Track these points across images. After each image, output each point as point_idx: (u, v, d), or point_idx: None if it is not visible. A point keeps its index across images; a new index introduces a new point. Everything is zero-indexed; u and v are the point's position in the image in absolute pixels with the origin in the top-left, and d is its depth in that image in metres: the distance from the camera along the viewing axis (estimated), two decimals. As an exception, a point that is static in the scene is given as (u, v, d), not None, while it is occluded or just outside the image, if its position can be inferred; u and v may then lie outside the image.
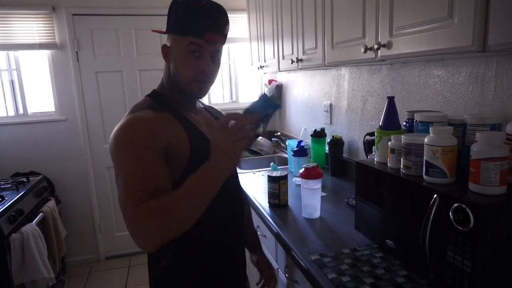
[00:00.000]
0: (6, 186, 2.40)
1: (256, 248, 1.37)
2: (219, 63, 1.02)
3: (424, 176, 0.95)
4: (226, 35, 1.00)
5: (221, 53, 1.01)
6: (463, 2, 0.83)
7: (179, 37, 0.95)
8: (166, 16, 0.99)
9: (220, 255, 1.08)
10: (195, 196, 0.79)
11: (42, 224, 2.34)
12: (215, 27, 0.94)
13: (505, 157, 0.81)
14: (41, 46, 2.77)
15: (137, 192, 0.82)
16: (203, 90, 1.00)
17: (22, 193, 2.28)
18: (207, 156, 0.82)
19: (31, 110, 2.92)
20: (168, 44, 0.99)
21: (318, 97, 2.43)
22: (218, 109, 1.29)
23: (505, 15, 0.74)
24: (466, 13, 0.82)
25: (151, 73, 3.00)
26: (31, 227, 2.14)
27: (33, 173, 2.84)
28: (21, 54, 2.82)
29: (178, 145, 0.94)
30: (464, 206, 0.80)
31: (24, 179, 2.55)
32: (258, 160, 2.73)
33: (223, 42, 1.00)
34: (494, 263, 0.81)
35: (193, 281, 1.04)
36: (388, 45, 1.12)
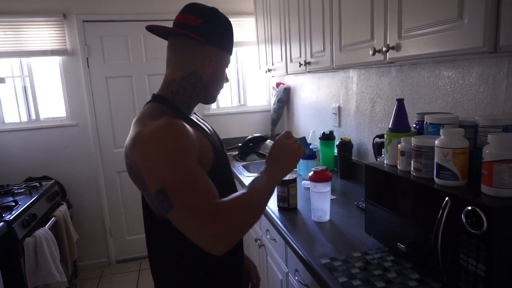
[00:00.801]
0: (19, 191, 2.44)
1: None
2: None
3: (435, 179, 0.94)
4: None
5: None
6: (473, 3, 0.82)
7: (226, 53, 1.03)
8: (172, 21, 0.99)
9: (223, 276, 1.05)
10: (269, 194, 0.91)
11: (54, 228, 2.37)
12: None
13: (518, 159, 0.80)
14: (52, 52, 2.82)
15: (206, 194, 0.81)
16: None
17: (35, 198, 2.32)
18: (225, 163, 1.03)
19: (43, 115, 2.97)
20: (210, 55, 0.98)
21: (326, 99, 2.42)
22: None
23: (516, 16, 0.73)
24: (477, 13, 0.81)
25: (160, 77, 2.96)
26: (44, 231, 2.17)
27: (46, 178, 2.89)
28: (33, 60, 2.88)
29: (205, 152, 0.94)
30: (477, 209, 0.79)
31: (37, 184, 2.59)
32: (267, 163, 2.73)
33: None
34: (509, 266, 0.79)
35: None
36: (397, 47, 1.11)
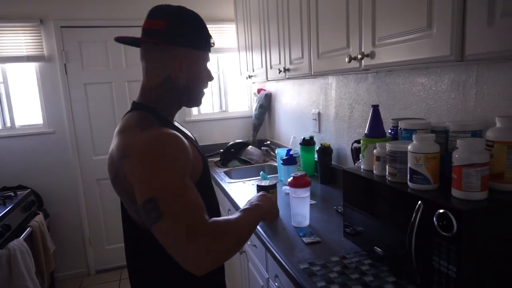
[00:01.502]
0: (-8, 201, 2.36)
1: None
2: None
3: (409, 183, 0.96)
4: None
5: None
6: (441, 14, 0.86)
7: (199, 52, 0.98)
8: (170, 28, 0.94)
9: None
10: (252, 228, 0.92)
11: (30, 239, 2.30)
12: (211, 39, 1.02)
13: (485, 163, 0.83)
14: (28, 58, 2.76)
15: (198, 209, 0.79)
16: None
17: (9, 208, 2.24)
18: (208, 173, 1.03)
19: (18, 123, 2.88)
20: (181, 57, 0.94)
21: (307, 105, 2.45)
22: None
23: (480, 26, 0.76)
24: (444, 24, 0.85)
25: (140, 84, 2.99)
26: (18, 242, 2.11)
27: (21, 187, 2.80)
28: (9, 66, 2.80)
29: (196, 163, 0.94)
30: (447, 212, 0.82)
31: (12, 194, 2.51)
32: (248, 169, 2.74)
33: None
34: (478, 267, 0.82)
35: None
36: (371, 55, 1.14)
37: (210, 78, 1.04)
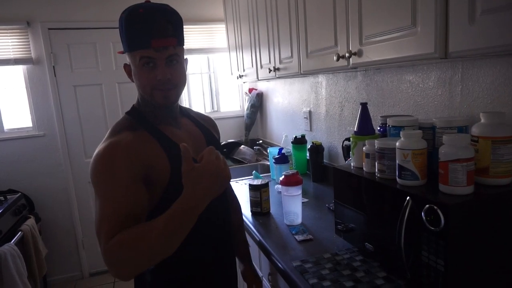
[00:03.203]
0: (-18, 206, 2.33)
1: (243, 258, 1.36)
2: (182, 67, 0.99)
3: (397, 179, 0.98)
4: (178, 34, 0.95)
5: (180, 55, 0.97)
6: (424, 12, 0.87)
7: (130, 53, 0.94)
8: None
9: (205, 268, 1.08)
10: (174, 232, 0.79)
11: (21, 244, 2.28)
12: (160, 32, 0.89)
13: (471, 158, 0.85)
14: (16, 61, 2.73)
15: (110, 222, 0.82)
16: (169, 98, 0.97)
17: (-1, 212, 2.22)
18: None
19: (7, 126, 2.85)
20: (128, 63, 0.99)
21: (298, 104, 2.46)
22: (206, 115, 1.27)
23: (462, 24, 0.78)
24: (428, 22, 0.86)
25: (131, 85, 2.93)
26: (9, 247, 2.08)
27: (11, 191, 2.77)
28: (-4, 70, 2.77)
29: (157, 166, 0.93)
30: (434, 206, 0.83)
31: (2, 198, 2.48)
32: (241, 168, 2.74)
33: (178, 43, 0.95)
34: (466, 261, 0.84)
35: None
36: (359, 53, 1.15)
37: (155, 78, 0.92)
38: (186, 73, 1.03)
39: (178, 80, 0.97)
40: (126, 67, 1.00)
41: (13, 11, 2.69)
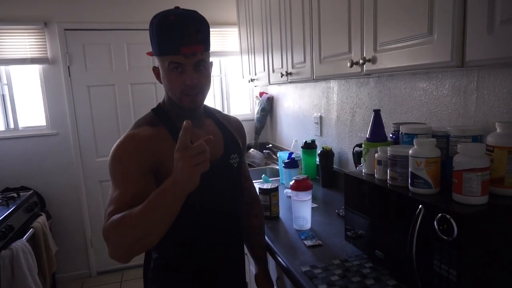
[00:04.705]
0: (-4, 201, 2.38)
1: (259, 262, 1.34)
2: (208, 71, 1.03)
3: (410, 187, 0.97)
4: (205, 41, 1.00)
5: (206, 60, 1.02)
6: (442, 20, 0.87)
7: (160, 58, 0.99)
8: None
9: (209, 260, 1.11)
10: (155, 211, 0.81)
11: (32, 240, 2.31)
12: (189, 39, 0.95)
13: (486, 168, 0.84)
14: (32, 60, 2.78)
15: (114, 205, 0.89)
16: (196, 102, 1.03)
17: (12, 209, 2.26)
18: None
19: (22, 124, 2.91)
20: (157, 65, 1.05)
21: (308, 109, 2.46)
22: (234, 117, 1.30)
23: (480, 33, 0.77)
24: (445, 30, 0.86)
25: (143, 86, 3.03)
26: (21, 243, 2.12)
27: (24, 188, 2.82)
28: (13, 68, 2.83)
29: (168, 162, 0.94)
30: (448, 216, 0.82)
31: (15, 195, 2.52)
32: (250, 172, 2.74)
33: (205, 49, 1.00)
34: (479, 271, 0.83)
35: (178, 284, 1.10)
36: (373, 60, 1.15)
37: (184, 83, 0.98)
38: (211, 75, 1.09)
39: (204, 84, 1.03)
40: (155, 69, 1.06)
41: (31, 12, 2.75)
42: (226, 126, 1.20)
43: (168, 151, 0.96)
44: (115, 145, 0.98)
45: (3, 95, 2.85)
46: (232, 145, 1.17)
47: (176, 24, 0.94)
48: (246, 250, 1.33)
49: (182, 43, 0.94)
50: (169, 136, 1.03)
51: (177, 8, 0.99)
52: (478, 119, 1.17)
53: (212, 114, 1.21)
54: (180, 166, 0.78)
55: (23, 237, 2.19)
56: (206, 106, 1.21)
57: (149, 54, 1.08)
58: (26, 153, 2.89)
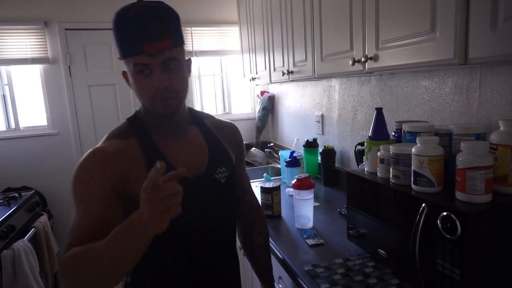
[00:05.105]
0: (-3, 202, 2.38)
1: (264, 280, 1.22)
2: (181, 70, 0.88)
3: (412, 186, 0.97)
4: (175, 35, 0.84)
5: (178, 58, 0.86)
6: (444, 17, 0.86)
7: (125, 61, 0.86)
8: None
9: (193, 285, 0.99)
10: (117, 250, 0.70)
11: (34, 240, 2.32)
12: (152, 35, 0.80)
13: (489, 166, 0.83)
14: (33, 60, 2.78)
15: (74, 234, 0.79)
16: (171, 107, 0.88)
17: (13, 209, 2.26)
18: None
19: (23, 124, 2.91)
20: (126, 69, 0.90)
21: (310, 107, 2.46)
22: (229, 123, 1.15)
23: (483, 30, 0.77)
24: (448, 27, 0.85)
25: None
26: (22, 243, 2.12)
27: (25, 188, 2.82)
28: (13, 68, 2.83)
29: (134, 178, 0.85)
30: (451, 214, 0.82)
31: (16, 194, 2.52)
32: (251, 171, 2.74)
33: (175, 45, 0.84)
34: (482, 270, 0.82)
35: None
36: (375, 58, 1.15)
37: (152, 86, 0.84)
38: (190, 75, 0.94)
39: (178, 87, 0.88)
40: (125, 74, 0.91)
41: (31, 12, 2.75)
42: (215, 135, 1.05)
43: (136, 168, 0.87)
44: (78, 163, 0.86)
45: (4, 95, 2.84)
46: (219, 158, 1.02)
47: (136, 18, 0.80)
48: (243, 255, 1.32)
49: (144, 40, 0.80)
50: (139, 150, 0.90)
51: (140, 0, 0.84)
52: (481, 117, 1.17)
53: (200, 120, 1.05)
54: (147, 210, 0.66)
55: (24, 237, 2.19)
56: (194, 111, 1.07)
57: (120, 59, 0.90)
58: (27, 153, 2.89)
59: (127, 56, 0.84)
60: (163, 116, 0.91)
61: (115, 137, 0.92)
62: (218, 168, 1.00)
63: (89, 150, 0.88)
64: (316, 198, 1.79)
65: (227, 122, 1.15)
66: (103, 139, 0.93)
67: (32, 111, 2.92)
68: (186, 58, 0.93)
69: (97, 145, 0.90)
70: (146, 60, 0.82)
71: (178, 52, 0.87)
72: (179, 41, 0.87)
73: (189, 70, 0.95)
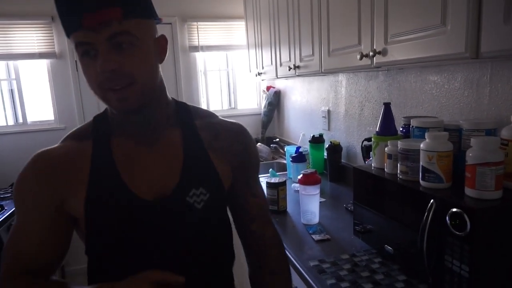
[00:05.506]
0: (5, 196, 2.40)
1: None
2: (139, 49, 0.65)
3: (421, 181, 0.96)
4: (127, 1, 0.63)
5: (133, 31, 0.63)
6: (456, 10, 0.84)
7: (70, 41, 0.64)
8: (164, 24, 0.87)
9: None
10: None
11: (41, 233, 2.34)
12: (93, 1, 0.60)
13: (500, 162, 0.82)
14: (40, 55, 2.79)
15: (11, 255, 0.71)
16: (126, 100, 0.66)
17: (21, 202, 2.28)
18: (109, 217, 0.69)
19: (30, 119, 2.93)
20: None
21: (316, 103, 2.44)
22: (232, 124, 0.87)
23: (496, 23, 0.75)
24: (459, 20, 0.84)
25: None
26: (30, 236, 2.14)
27: (33, 182, 2.85)
28: (21, 63, 2.84)
29: (73, 193, 0.71)
30: (460, 211, 0.81)
31: (24, 188, 2.55)
32: (257, 166, 2.73)
33: (127, 15, 0.62)
34: (491, 267, 0.81)
35: None
36: (383, 52, 1.13)
37: (96, 72, 0.63)
38: (161, 60, 0.72)
39: (134, 71, 0.64)
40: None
41: (38, 7, 2.76)
42: (202, 143, 0.78)
43: (78, 177, 0.71)
44: (24, 167, 0.73)
45: (11, 90, 2.86)
46: (197, 175, 0.76)
47: None
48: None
49: (82, 9, 0.60)
50: (89, 156, 0.72)
51: None
52: (491, 112, 1.15)
53: (188, 121, 0.80)
54: None
55: (32, 230, 2.21)
56: (184, 108, 0.82)
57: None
58: (34, 147, 2.86)
59: (68, 34, 0.64)
60: (121, 114, 0.72)
61: (71, 138, 0.76)
62: (193, 189, 0.74)
63: (35, 153, 0.73)
64: (322, 194, 1.79)
65: (230, 123, 0.86)
66: (65, 137, 0.77)
67: (40, 105, 2.94)
68: (158, 35, 0.71)
69: (47, 148, 0.74)
70: (89, 36, 0.61)
71: (135, 26, 0.64)
72: (137, 10, 0.64)
73: (160, 53, 0.71)
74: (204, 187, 0.76)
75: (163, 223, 0.73)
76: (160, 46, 0.72)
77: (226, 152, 0.81)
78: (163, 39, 0.73)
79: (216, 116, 0.87)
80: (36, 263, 0.71)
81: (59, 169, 0.71)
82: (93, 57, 0.63)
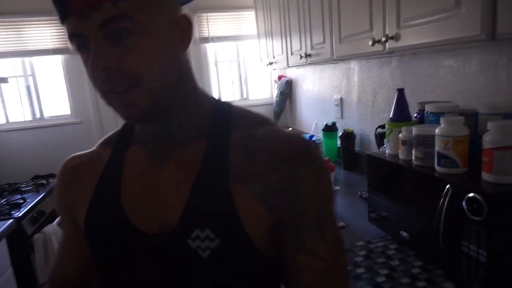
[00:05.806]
0: (27, 188, 2.48)
1: None
2: (145, 38, 0.48)
3: (436, 167, 0.95)
4: None
5: (135, 15, 0.47)
6: (471, -9, 0.82)
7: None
8: None
9: None
10: None
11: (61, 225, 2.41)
12: None
13: (518, 146, 0.81)
14: (54, 51, 2.84)
15: (53, 272, 0.68)
16: (132, 106, 0.52)
17: (42, 195, 2.35)
18: (106, 232, 0.57)
19: (47, 114, 3.00)
20: None
21: (328, 91, 2.42)
22: (282, 136, 0.57)
23: (513, 3, 0.73)
24: (473, 1, 0.82)
25: None
26: (52, 227, 2.21)
27: (52, 175, 2.91)
28: (36, 60, 2.90)
29: (80, 202, 0.63)
30: (477, 195, 0.80)
31: (44, 181, 2.62)
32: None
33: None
34: (509, 251, 0.81)
35: None
36: (396, 37, 1.11)
37: (90, 73, 0.51)
38: (185, 49, 0.54)
39: (137, 68, 0.49)
40: None
41: (50, 3, 2.76)
42: (224, 167, 0.55)
43: (87, 188, 0.62)
44: None
45: (28, 86, 2.93)
46: (206, 212, 0.54)
47: None
48: None
49: None
50: (103, 164, 0.64)
51: None
52: (509, 96, 1.12)
53: (221, 132, 0.58)
54: None
55: (53, 221, 2.28)
56: (224, 112, 0.62)
57: None
58: (52, 141, 2.98)
59: (62, 22, 0.51)
60: (130, 122, 0.62)
61: (101, 143, 0.69)
62: (197, 230, 0.53)
63: (66, 158, 0.70)
64: (336, 182, 1.79)
65: (278, 138, 0.56)
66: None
67: (56, 100, 3.00)
68: (175, 18, 0.53)
69: (78, 153, 0.70)
70: (77, 25, 0.48)
71: (138, 7, 0.47)
72: None
73: (182, 39, 0.53)
74: (211, 229, 0.52)
75: (161, 265, 0.55)
76: (182, 30, 0.53)
77: (259, 183, 0.54)
78: (186, 20, 0.54)
79: (271, 124, 0.60)
80: (62, 279, 0.66)
81: (76, 178, 0.65)
82: (88, 51, 0.49)
